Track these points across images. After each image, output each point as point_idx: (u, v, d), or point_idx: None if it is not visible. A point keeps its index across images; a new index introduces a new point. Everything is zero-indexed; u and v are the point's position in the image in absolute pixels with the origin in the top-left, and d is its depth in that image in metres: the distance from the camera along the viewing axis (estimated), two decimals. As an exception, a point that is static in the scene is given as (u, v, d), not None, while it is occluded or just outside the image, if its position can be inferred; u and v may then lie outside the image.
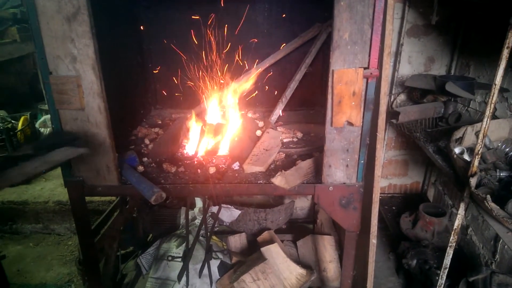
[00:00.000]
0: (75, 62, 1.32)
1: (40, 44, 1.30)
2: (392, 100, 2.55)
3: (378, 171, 1.46)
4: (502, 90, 1.93)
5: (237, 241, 2.36)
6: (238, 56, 2.15)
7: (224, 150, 1.81)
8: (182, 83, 2.24)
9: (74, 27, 1.27)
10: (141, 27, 2.19)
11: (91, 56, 1.31)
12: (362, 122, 1.36)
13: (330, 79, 1.30)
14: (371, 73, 1.28)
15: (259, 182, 1.53)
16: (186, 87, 2.22)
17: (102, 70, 1.35)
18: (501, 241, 1.92)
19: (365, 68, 1.28)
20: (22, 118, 3.55)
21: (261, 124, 2.07)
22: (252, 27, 2.15)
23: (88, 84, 1.35)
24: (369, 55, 1.26)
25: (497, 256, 1.95)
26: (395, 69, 2.51)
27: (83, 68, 1.32)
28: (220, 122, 1.97)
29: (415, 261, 2.06)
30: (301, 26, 2.15)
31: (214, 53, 2.07)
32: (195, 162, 1.71)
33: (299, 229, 2.78)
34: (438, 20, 2.22)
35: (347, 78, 1.28)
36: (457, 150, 1.64)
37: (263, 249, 2.06)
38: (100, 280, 1.84)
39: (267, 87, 2.32)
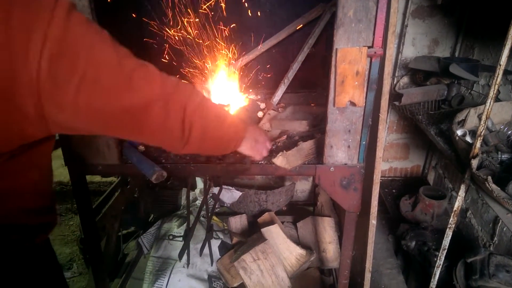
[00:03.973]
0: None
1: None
2: (395, 82, 2.53)
3: (379, 152, 1.46)
4: (506, 72, 1.91)
5: (237, 222, 2.38)
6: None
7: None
8: (185, 62, 2.20)
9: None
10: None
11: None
12: (365, 102, 1.34)
13: (333, 58, 1.28)
14: (375, 52, 1.25)
15: (260, 162, 1.53)
16: (191, 66, 2.19)
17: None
18: (499, 223, 1.93)
19: (369, 47, 1.25)
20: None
21: (262, 105, 2.05)
22: (255, 7, 2.10)
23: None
24: (374, 34, 1.24)
25: (495, 238, 1.97)
26: (399, 51, 2.47)
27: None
28: (222, 102, 1.95)
29: (414, 243, 2.08)
30: (304, 7, 2.11)
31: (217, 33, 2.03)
32: (197, 142, 1.70)
33: (300, 211, 2.80)
34: (443, 0, 2.17)
35: (350, 57, 1.26)
36: (459, 132, 1.63)
37: (263, 230, 2.08)
38: (101, 259, 1.86)
39: (268, 66, 2.29)
